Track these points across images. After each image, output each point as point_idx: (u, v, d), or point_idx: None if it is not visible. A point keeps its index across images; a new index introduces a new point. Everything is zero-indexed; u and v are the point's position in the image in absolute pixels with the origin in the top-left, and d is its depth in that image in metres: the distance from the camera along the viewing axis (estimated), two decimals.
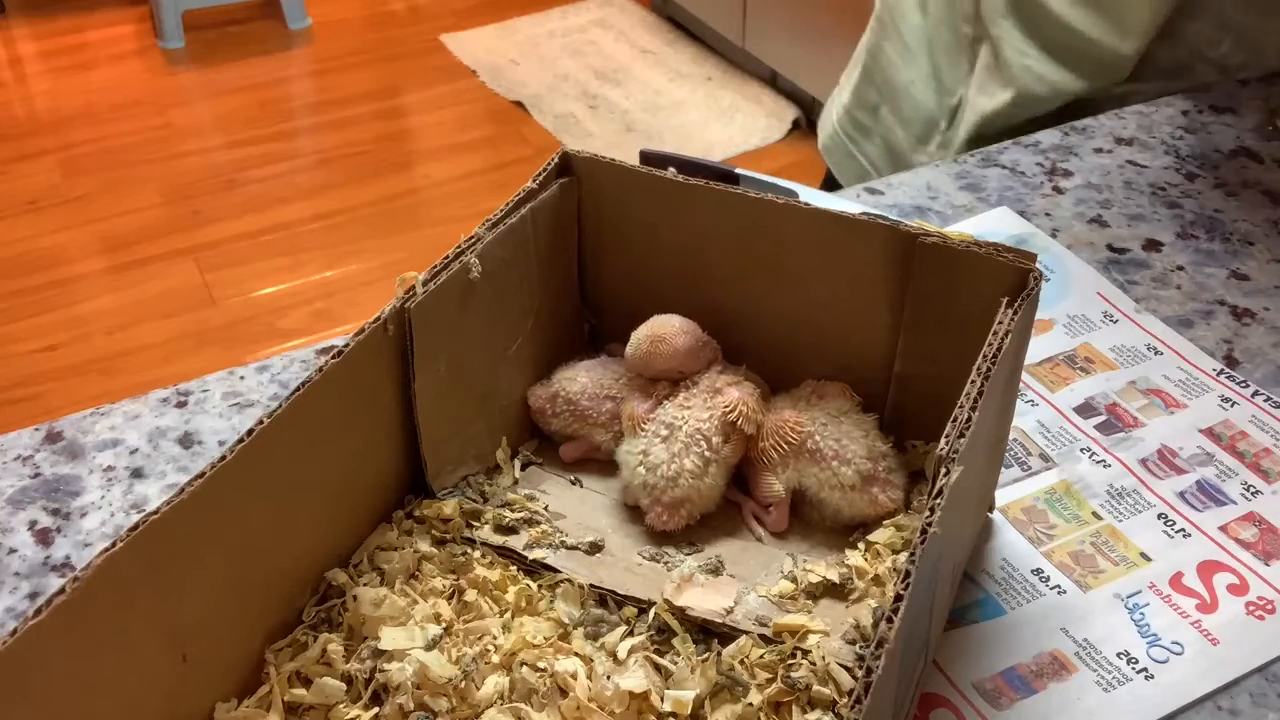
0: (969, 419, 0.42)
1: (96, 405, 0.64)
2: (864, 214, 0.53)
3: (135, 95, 2.85)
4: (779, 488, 0.54)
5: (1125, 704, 0.50)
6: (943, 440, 0.42)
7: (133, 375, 2.06)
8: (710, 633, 0.49)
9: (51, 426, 0.63)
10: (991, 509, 0.58)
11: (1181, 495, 0.59)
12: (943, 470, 0.41)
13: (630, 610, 0.50)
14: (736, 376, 0.56)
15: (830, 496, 0.53)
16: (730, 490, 0.55)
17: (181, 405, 0.64)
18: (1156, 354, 0.68)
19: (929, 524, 0.39)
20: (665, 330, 0.55)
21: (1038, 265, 0.49)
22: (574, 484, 0.57)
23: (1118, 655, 0.52)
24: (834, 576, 0.50)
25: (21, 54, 3.06)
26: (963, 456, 0.41)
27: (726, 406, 0.54)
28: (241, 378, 0.66)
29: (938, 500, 0.40)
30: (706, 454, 0.53)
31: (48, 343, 2.16)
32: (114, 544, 0.39)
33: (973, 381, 0.44)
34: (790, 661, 0.47)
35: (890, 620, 0.37)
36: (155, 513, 0.40)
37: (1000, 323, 0.47)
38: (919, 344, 0.54)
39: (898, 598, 0.37)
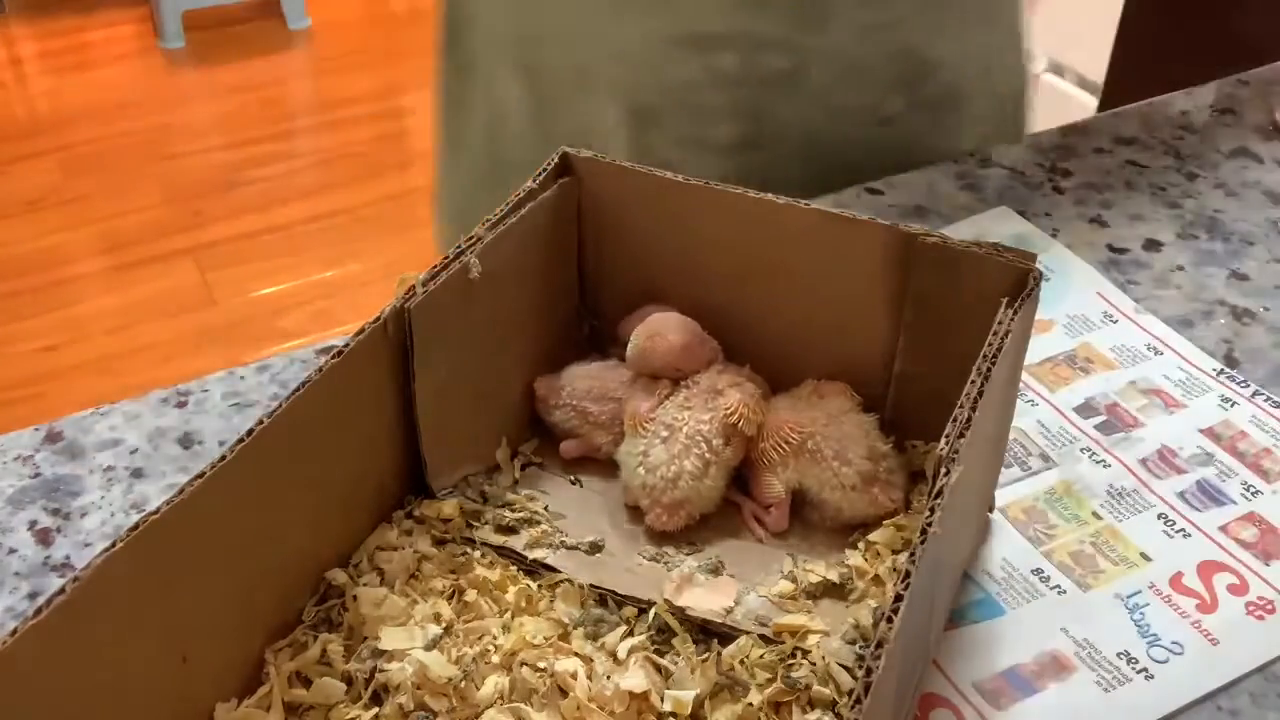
0: (969, 419, 0.42)
1: (96, 405, 0.64)
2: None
3: (135, 95, 2.85)
4: (779, 488, 0.54)
5: (1125, 704, 0.50)
6: (943, 440, 0.42)
7: (133, 375, 2.06)
8: (710, 633, 0.49)
9: (51, 426, 0.63)
10: (991, 509, 0.58)
11: (1181, 495, 0.59)
12: (943, 470, 0.41)
13: (630, 610, 0.50)
14: (738, 378, 0.56)
15: (831, 497, 0.53)
16: (730, 491, 0.55)
17: (181, 405, 0.64)
18: (1156, 354, 0.68)
19: (929, 524, 0.39)
20: (662, 327, 0.56)
21: (1038, 265, 0.49)
22: (574, 484, 0.57)
23: (1118, 655, 0.52)
24: (834, 576, 0.50)
25: (21, 54, 3.06)
26: (963, 456, 0.41)
27: (727, 408, 0.54)
28: (241, 378, 0.66)
29: (938, 500, 0.40)
30: (706, 455, 0.53)
31: (48, 343, 2.16)
32: (114, 544, 0.39)
33: (973, 381, 0.44)
34: (790, 661, 0.47)
35: (890, 620, 0.37)
36: (155, 513, 0.40)
37: (1000, 323, 0.47)
38: (919, 344, 0.54)
39: (897, 598, 0.37)
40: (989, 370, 0.44)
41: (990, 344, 0.45)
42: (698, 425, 0.53)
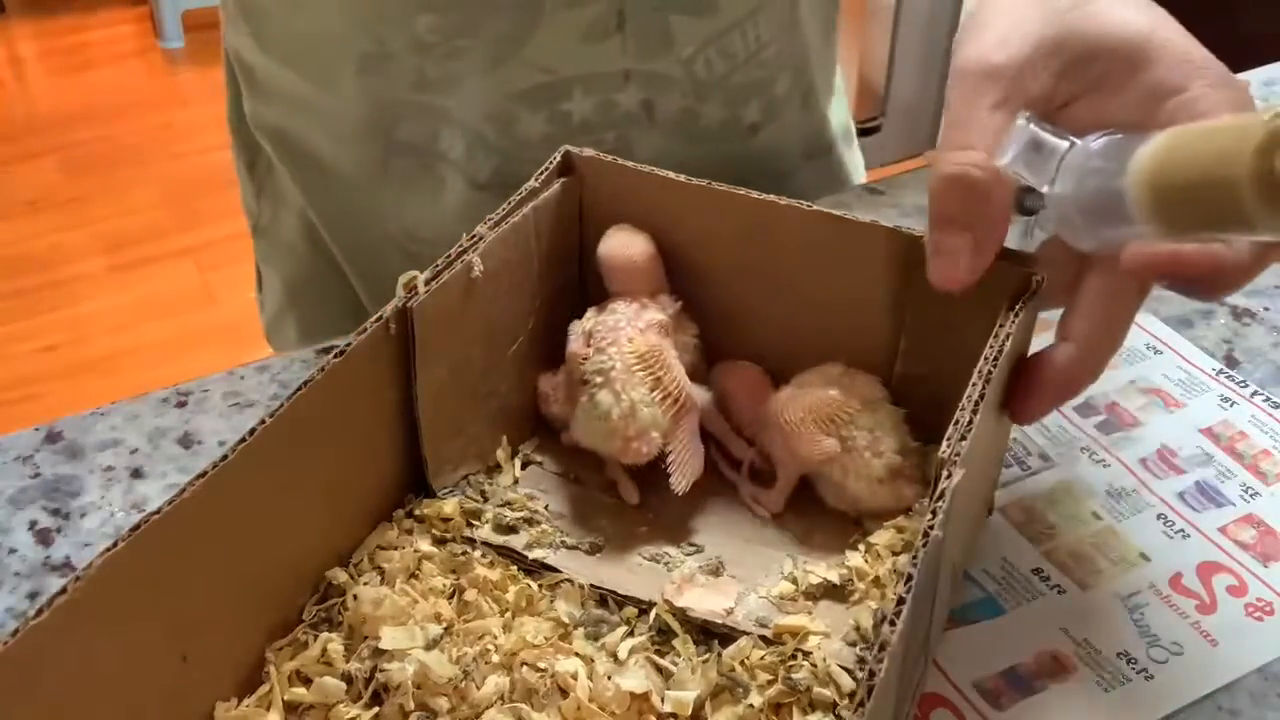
0: (970, 421, 0.42)
1: (96, 405, 0.64)
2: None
3: (135, 95, 2.85)
4: (833, 444, 0.53)
5: (1125, 704, 0.50)
6: (944, 443, 0.42)
7: (133, 375, 2.06)
8: (711, 633, 0.49)
9: (51, 426, 0.63)
10: (991, 511, 0.58)
11: (1180, 496, 0.59)
12: (944, 473, 0.41)
13: (631, 611, 0.50)
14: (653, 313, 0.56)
15: (855, 486, 0.53)
16: (731, 472, 0.56)
17: (181, 405, 0.64)
18: (1156, 353, 0.68)
19: (930, 527, 0.39)
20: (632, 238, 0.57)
21: (1039, 268, 0.49)
22: (575, 483, 0.57)
23: (1117, 655, 0.52)
24: (834, 578, 0.50)
25: (21, 54, 3.06)
26: (964, 459, 0.41)
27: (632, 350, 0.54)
28: (241, 378, 0.66)
29: (939, 503, 0.40)
30: (650, 379, 0.53)
31: (48, 343, 2.16)
32: (115, 544, 0.39)
33: (974, 384, 0.44)
34: (791, 663, 0.47)
35: (893, 623, 0.37)
36: (156, 512, 0.40)
37: (1001, 325, 0.47)
38: (920, 346, 0.54)
39: (900, 601, 0.37)
40: (990, 373, 0.44)
41: (992, 347, 0.45)
42: (621, 359, 0.53)
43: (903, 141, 2.58)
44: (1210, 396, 0.65)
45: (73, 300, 2.26)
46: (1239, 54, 1.00)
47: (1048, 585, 0.55)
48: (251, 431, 0.43)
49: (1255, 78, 0.95)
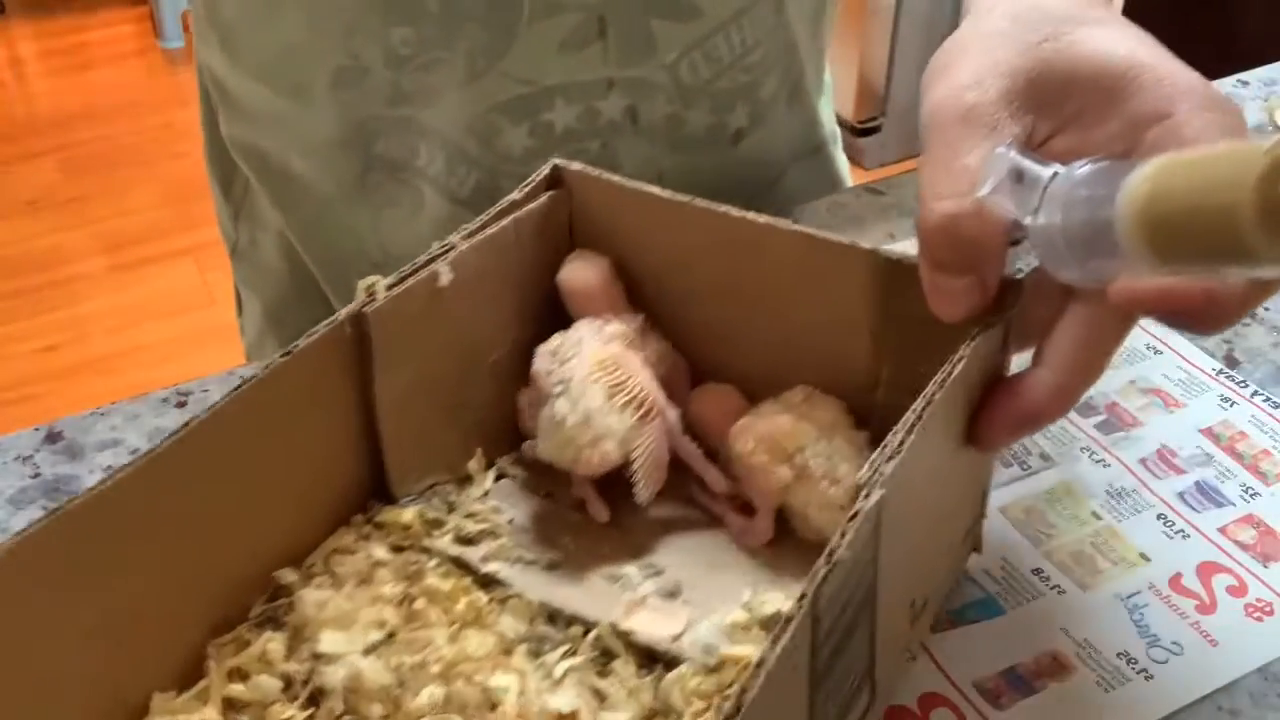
0: (901, 443, 0.41)
1: (96, 405, 0.64)
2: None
3: (135, 95, 2.85)
4: (784, 473, 0.52)
5: (1125, 704, 0.50)
6: (867, 465, 0.40)
7: (133, 375, 2.06)
8: (657, 659, 0.48)
9: (51, 426, 0.63)
10: (979, 549, 0.56)
11: (1180, 496, 0.59)
12: (863, 494, 0.39)
13: (577, 630, 0.49)
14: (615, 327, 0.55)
15: (817, 516, 0.52)
16: (709, 501, 0.55)
17: (181, 405, 0.64)
18: (1156, 353, 0.68)
19: (835, 547, 0.38)
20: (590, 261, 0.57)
21: (1018, 294, 0.47)
22: (546, 498, 0.56)
23: (1117, 655, 0.52)
24: (789, 610, 0.49)
25: (21, 54, 3.06)
26: (891, 482, 0.40)
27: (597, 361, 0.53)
28: (241, 378, 0.66)
29: (850, 524, 0.38)
30: (607, 386, 0.52)
31: (48, 343, 2.16)
32: (31, 525, 0.39)
33: (913, 409, 0.42)
34: (727, 691, 0.46)
35: (776, 640, 0.35)
36: (77, 497, 0.40)
37: (960, 351, 0.45)
38: (902, 371, 0.53)
39: (788, 619, 0.36)
40: (932, 396, 0.43)
41: (944, 371, 0.44)
42: (582, 368, 0.52)
43: (903, 141, 2.58)
44: (1210, 396, 0.65)
45: (73, 300, 2.26)
46: (1239, 54, 1.00)
47: (1048, 585, 0.55)
48: (185, 425, 0.43)
49: (1255, 78, 0.95)
